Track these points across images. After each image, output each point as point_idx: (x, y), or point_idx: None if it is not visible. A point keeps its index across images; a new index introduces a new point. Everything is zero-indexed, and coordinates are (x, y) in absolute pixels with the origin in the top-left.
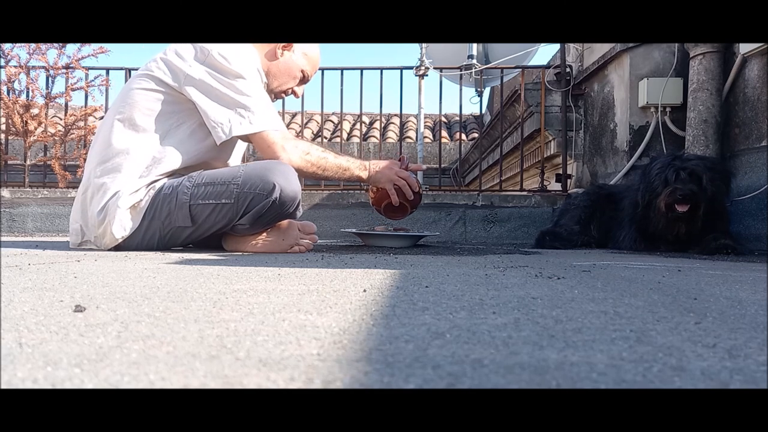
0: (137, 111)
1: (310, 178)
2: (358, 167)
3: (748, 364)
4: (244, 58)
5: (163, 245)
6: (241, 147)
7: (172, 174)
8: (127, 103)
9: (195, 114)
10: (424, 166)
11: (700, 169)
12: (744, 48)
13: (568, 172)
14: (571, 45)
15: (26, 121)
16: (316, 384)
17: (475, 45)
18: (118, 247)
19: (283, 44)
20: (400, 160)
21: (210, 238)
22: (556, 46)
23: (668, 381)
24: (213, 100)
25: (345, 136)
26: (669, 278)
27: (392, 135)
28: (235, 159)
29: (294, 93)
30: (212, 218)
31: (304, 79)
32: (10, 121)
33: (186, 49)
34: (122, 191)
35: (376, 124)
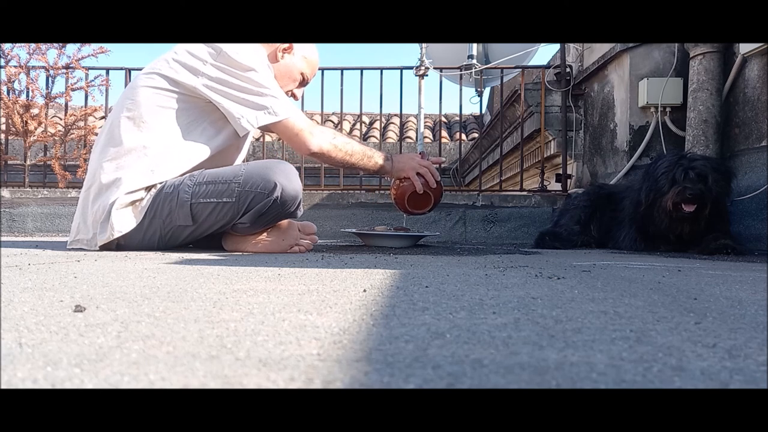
0: (146, 109)
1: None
2: (380, 156)
3: (748, 364)
4: (255, 53)
5: (164, 244)
6: (246, 146)
7: (184, 172)
8: (135, 102)
9: (206, 112)
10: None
11: (706, 170)
12: (744, 48)
13: (568, 172)
14: (571, 45)
15: (26, 121)
16: (316, 384)
17: (475, 45)
18: (119, 246)
19: (284, 47)
20: (421, 155)
21: (210, 237)
22: (556, 46)
23: (668, 381)
24: (233, 95)
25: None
26: (669, 278)
27: (392, 135)
28: (239, 159)
29: (293, 95)
30: (213, 217)
31: (303, 82)
32: (10, 121)
33: (198, 48)
34: (130, 187)
35: (376, 124)
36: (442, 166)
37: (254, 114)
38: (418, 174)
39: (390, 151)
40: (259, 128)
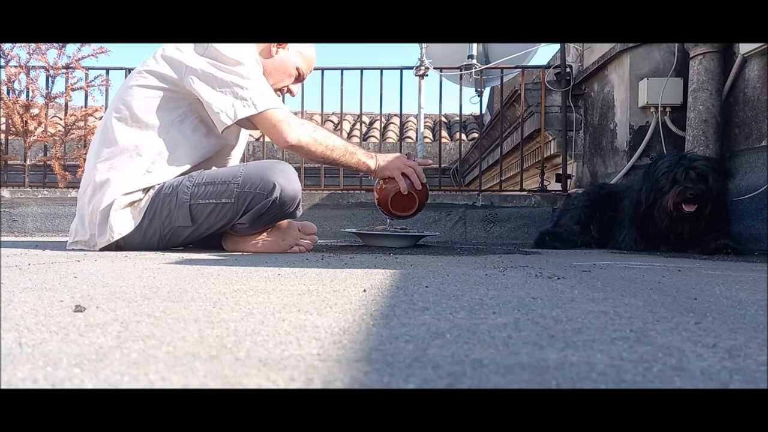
0: (138, 108)
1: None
2: (364, 154)
3: (748, 364)
4: (243, 48)
5: (164, 245)
6: (241, 145)
7: (181, 173)
8: (126, 101)
9: (197, 109)
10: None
11: (707, 170)
12: (744, 48)
13: (568, 172)
14: (571, 45)
15: (26, 121)
16: (316, 384)
17: (475, 45)
18: (118, 247)
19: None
20: (407, 156)
21: (210, 237)
22: (556, 46)
23: (668, 381)
24: (215, 88)
25: (345, 136)
26: (669, 278)
27: (392, 135)
28: (235, 159)
29: (290, 91)
30: (212, 218)
31: (299, 77)
32: (10, 121)
33: (185, 44)
34: (126, 188)
35: (376, 124)
36: (442, 166)
37: (233, 108)
38: (403, 175)
39: (390, 152)
40: (239, 123)
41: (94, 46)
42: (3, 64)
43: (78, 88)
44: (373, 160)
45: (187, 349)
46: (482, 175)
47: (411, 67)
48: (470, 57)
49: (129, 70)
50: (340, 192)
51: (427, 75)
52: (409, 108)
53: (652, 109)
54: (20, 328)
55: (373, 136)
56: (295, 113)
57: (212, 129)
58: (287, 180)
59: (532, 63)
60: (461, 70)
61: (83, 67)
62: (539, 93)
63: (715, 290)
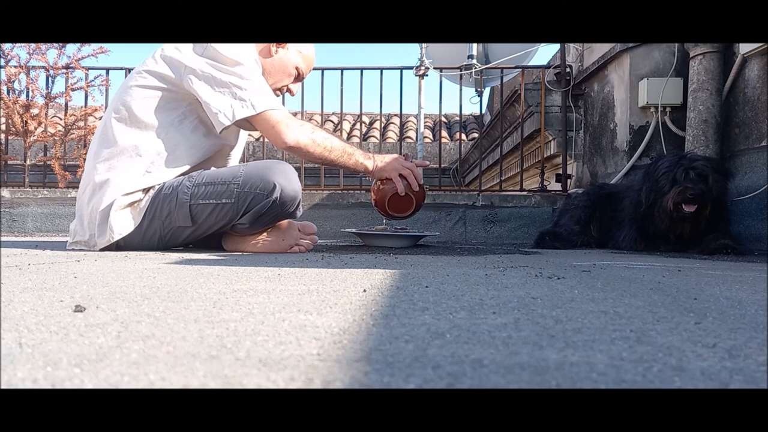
0: (137, 108)
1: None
2: (362, 155)
3: (748, 364)
4: (242, 48)
5: (164, 245)
6: (241, 145)
7: (181, 173)
8: (125, 102)
9: (196, 109)
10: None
11: (707, 170)
12: (744, 48)
13: (568, 172)
14: (571, 45)
15: (26, 121)
16: (316, 384)
17: (475, 45)
18: (118, 247)
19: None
20: (405, 157)
21: (210, 237)
22: (556, 46)
23: (668, 381)
24: (213, 88)
25: (345, 136)
26: (669, 278)
27: (392, 135)
28: (235, 159)
29: (289, 90)
30: (212, 218)
31: (299, 77)
32: (10, 121)
33: (184, 44)
34: (125, 189)
35: (376, 124)
36: (442, 166)
37: (231, 108)
38: (400, 176)
39: (390, 152)
40: (237, 123)
41: (94, 46)
42: (3, 64)
43: (78, 88)
44: (370, 161)
45: (187, 349)
46: (482, 175)
47: (411, 67)
48: (470, 57)
49: (129, 70)
50: (340, 192)
51: (427, 75)
52: (409, 108)
53: (652, 109)
54: (20, 328)
55: (373, 136)
56: (295, 113)
57: (211, 129)
58: (287, 180)
59: (532, 63)
60: (461, 70)
61: (83, 67)
62: (539, 93)
63: (715, 290)
